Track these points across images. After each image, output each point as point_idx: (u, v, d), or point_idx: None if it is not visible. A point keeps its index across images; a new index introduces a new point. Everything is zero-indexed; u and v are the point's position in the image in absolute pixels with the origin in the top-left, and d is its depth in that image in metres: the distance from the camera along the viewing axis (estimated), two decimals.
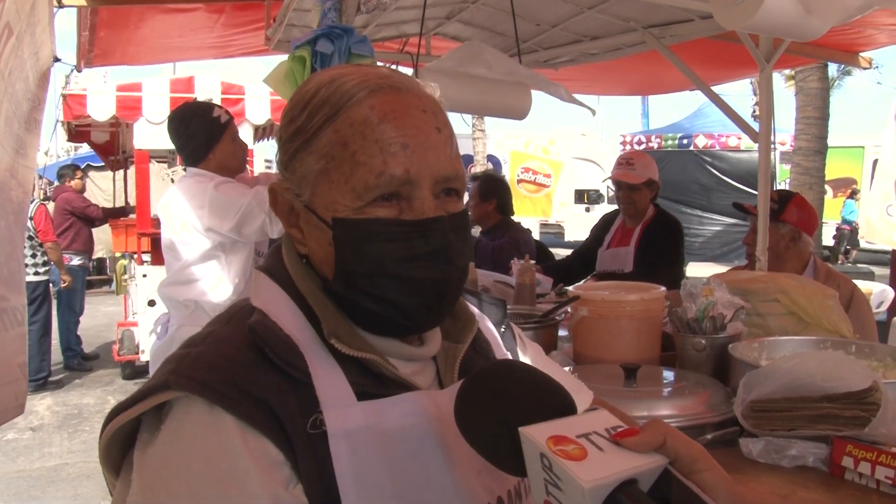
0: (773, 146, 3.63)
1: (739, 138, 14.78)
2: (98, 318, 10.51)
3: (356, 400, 0.85)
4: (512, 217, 4.75)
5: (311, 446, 0.81)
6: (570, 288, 2.34)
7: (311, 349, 0.86)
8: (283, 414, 0.80)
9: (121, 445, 0.86)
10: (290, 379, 0.83)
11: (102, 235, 12.77)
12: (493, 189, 4.68)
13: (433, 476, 0.86)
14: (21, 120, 3.03)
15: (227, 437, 0.78)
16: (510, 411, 0.74)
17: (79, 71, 4.82)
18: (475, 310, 1.08)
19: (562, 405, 0.76)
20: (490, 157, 18.05)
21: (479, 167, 17.42)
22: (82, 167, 13.12)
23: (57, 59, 3.19)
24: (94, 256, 13.39)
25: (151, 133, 7.32)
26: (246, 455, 0.77)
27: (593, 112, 3.95)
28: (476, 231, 4.93)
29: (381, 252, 0.86)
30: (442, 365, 0.98)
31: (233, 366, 0.82)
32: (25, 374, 3.41)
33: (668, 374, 1.97)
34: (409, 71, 3.62)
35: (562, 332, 2.58)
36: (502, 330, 1.13)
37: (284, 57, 2.70)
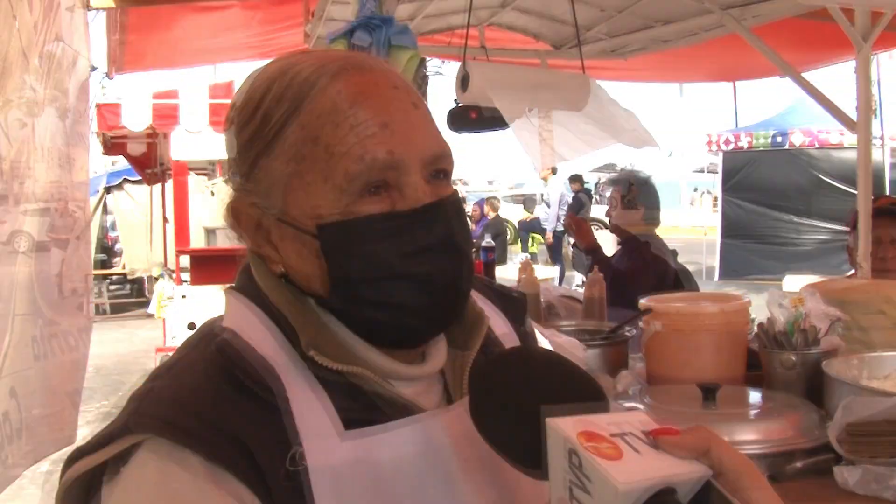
0: (881, 141, 3.52)
1: (842, 133, 14.31)
2: (136, 343, 10.76)
3: (343, 429, 0.81)
4: (656, 231, 4.27)
5: (290, 486, 0.77)
6: (643, 300, 2.29)
7: (290, 371, 0.83)
8: (258, 449, 0.77)
9: (83, 491, 0.82)
10: (266, 406, 0.80)
11: (140, 253, 13.15)
12: (642, 195, 4.11)
13: None
14: (63, 134, 3.17)
15: (193, 481, 0.75)
16: (534, 399, 0.72)
17: (110, 78, 5.00)
18: (488, 306, 1.02)
19: (593, 397, 0.74)
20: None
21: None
22: (118, 182, 13.60)
23: (94, 69, 3.35)
24: (132, 277, 13.81)
25: (190, 143, 7.46)
26: (214, 501, 0.75)
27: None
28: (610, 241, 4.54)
29: (381, 252, 0.82)
30: (450, 378, 0.94)
31: (198, 397, 0.79)
32: (76, 402, 3.47)
33: (753, 395, 1.94)
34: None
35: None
36: (521, 329, 1.06)
37: None
